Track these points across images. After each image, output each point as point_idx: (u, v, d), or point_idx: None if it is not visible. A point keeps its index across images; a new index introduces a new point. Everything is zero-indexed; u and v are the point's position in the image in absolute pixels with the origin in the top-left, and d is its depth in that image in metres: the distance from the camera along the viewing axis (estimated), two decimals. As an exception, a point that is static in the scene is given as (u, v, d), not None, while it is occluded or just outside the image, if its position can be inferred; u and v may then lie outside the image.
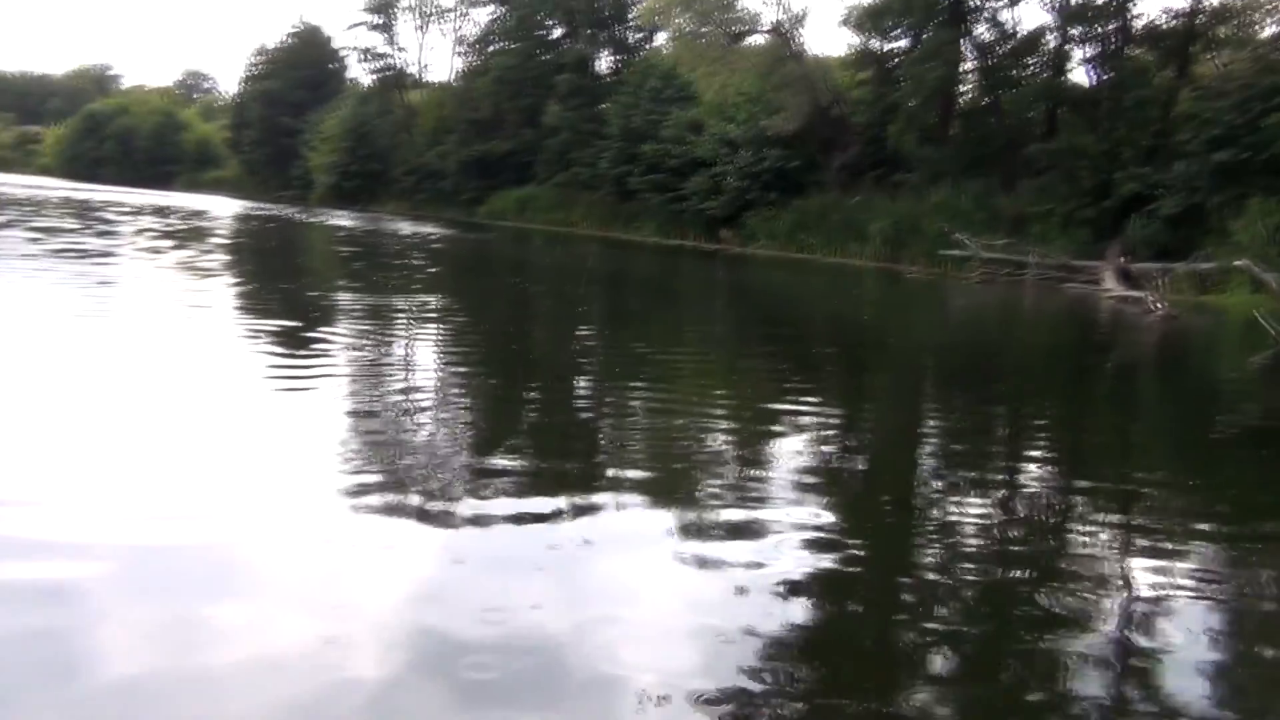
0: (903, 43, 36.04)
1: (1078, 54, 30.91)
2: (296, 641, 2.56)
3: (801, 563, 3.39)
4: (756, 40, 41.95)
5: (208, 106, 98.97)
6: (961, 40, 32.91)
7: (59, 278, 10.21)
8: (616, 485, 4.28)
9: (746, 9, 40.96)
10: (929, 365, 9.68)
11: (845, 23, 37.94)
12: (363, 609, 2.81)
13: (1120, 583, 3.56)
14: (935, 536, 3.99)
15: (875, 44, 37.42)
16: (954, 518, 4.22)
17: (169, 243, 16.90)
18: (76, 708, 2.13)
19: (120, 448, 4.20)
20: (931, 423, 7.05)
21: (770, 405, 6.69)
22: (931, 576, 3.52)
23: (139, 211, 27.63)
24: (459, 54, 66.74)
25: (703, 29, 41.48)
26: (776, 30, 39.51)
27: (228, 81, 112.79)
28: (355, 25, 67.29)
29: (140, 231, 18.81)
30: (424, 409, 5.58)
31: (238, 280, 13.01)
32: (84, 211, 24.62)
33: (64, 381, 5.34)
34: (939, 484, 4.99)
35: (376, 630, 2.66)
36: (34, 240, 14.14)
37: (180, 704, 2.20)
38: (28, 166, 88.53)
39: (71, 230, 17.17)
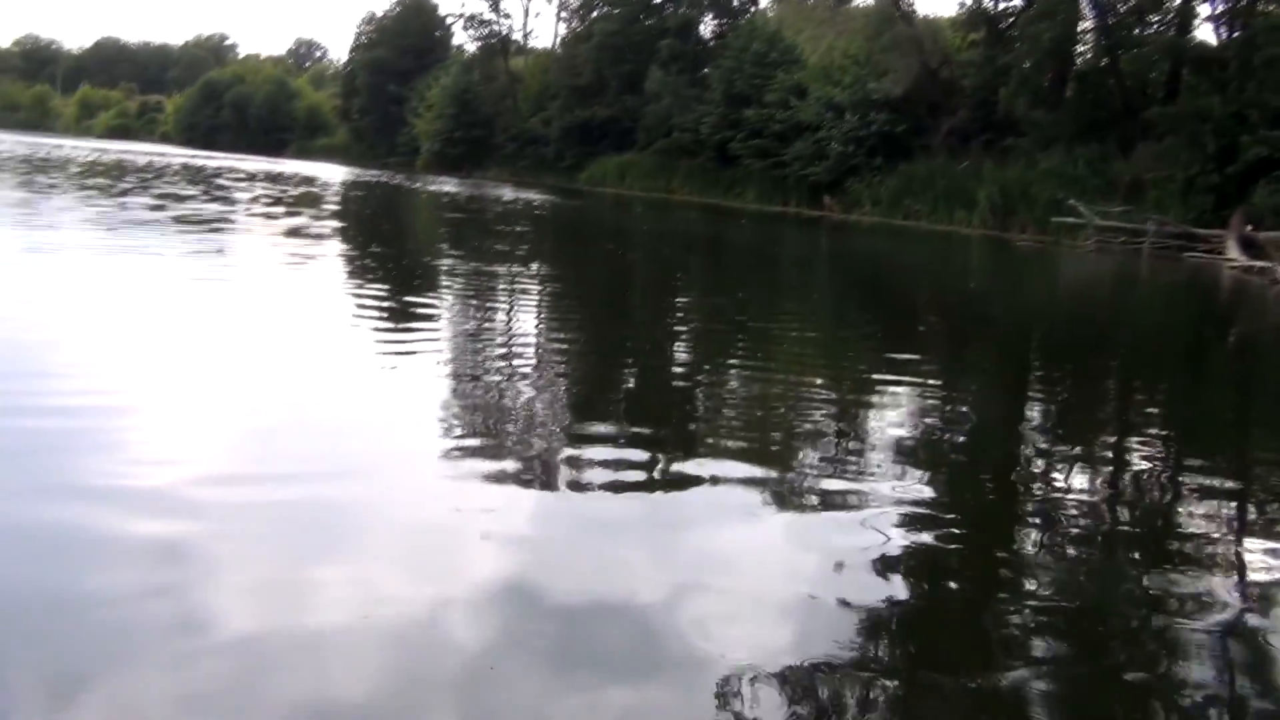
0: (1016, 1, 34.81)
1: (1204, 10, 29.46)
2: (398, 602, 2.61)
3: (900, 536, 3.34)
4: (864, 1, 41.02)
5: (318, 75, 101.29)
6: (1080, -1, 31.63)
7: (178, 243, 10.60)
8: (714, 453, 4.27)
9: (854, -31, 40.01)
10: (1037, 337, 9.41)
11: (957, -18, 36.84)
12: (461, 571, 2.86)
13: (1232, 564, 3.42)
14: (1039, 512, 3.89)
15: (988, 3, 36.24)
16: (1059, 494, 4.11)
17: (281, 209, 17.38)
18: (190, 664, 2.21)
19: (232, 410, 4.34)
20: (1039, 396, 6.86)
21: (871, 376, 6.59)
22: (1034, 553, 3.43)
23: (253, 178, 28.48)
24: (562, 20, 66.89)
25: (809, -10, 40.74)
26: (885, -9, 38.53)
27: (337, 50, 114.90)
28: (461, -8, 67.77)
29: (255, 198, 19.38)
30: (523, 374, 5.65)
31: (346, 246, 13.33)
32: (202, 178, 25.48)
33: (181, 346, 5.55)
34: (1044, 459, 4.86)
35: (474, 593, 2.70)
36: (156, 207, 14.69)
37: (287, 662, 2.27)
38: (150, 134, 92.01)
39: (190, 197, 17.78)
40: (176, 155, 46.52)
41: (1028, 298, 14.02)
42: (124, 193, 17.64)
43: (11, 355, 4.85)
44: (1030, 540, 3.59)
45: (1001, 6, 35.79)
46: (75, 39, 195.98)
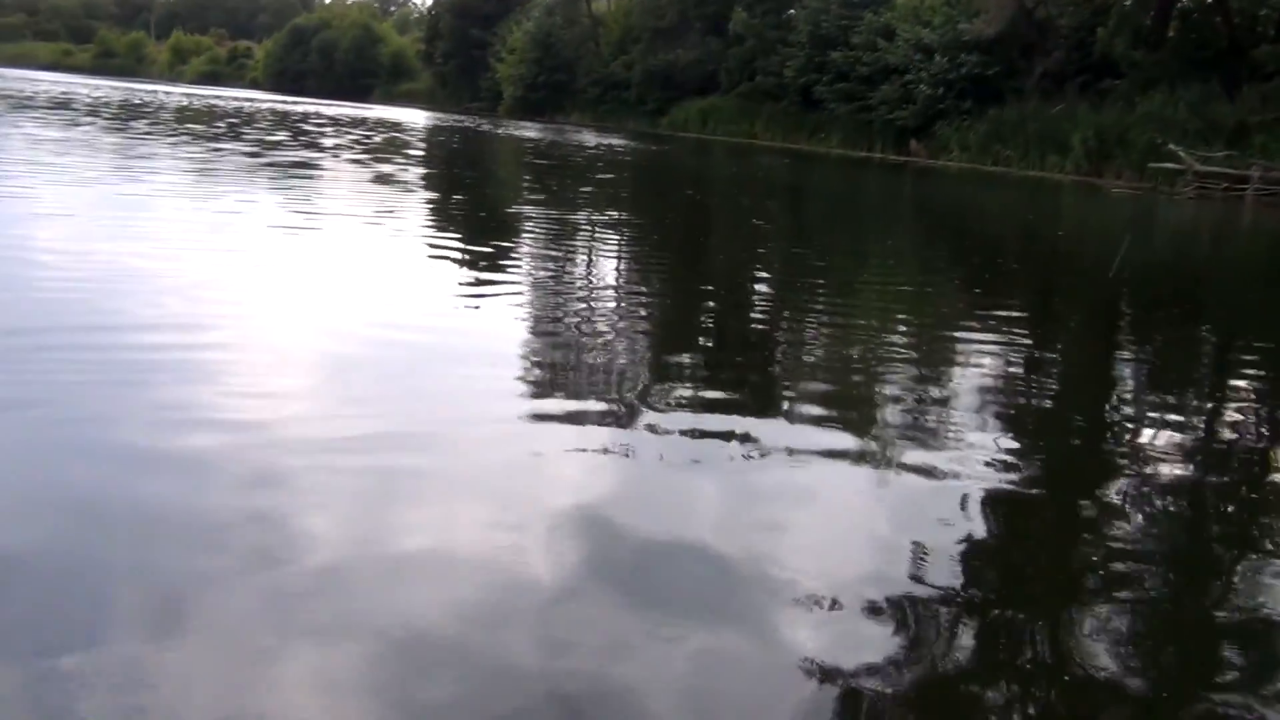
0: (1120, -64, 33.33)
1: (1322, -58, 27.89)
2: (475, 541, 2.67)
3: (980, 482, 3.29)
4: (957, -62, 39.60)
5: (403, 19, 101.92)
6: (1187, -69, 30.20)
7: (267, 190, 10.81)
8: (793, 398, 4.26)
9: (948, -97, 38.59)
10: (1130, 288, 9.11)
11: (1056, -85, 35.35)
12: (538, 510, 2.90)
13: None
14: (1126, 465, 3.79)
15: (1088, -62, 34.74)
16: (1148, 448, 3.99)
17: (367, 155, 17.59)
18: (278, 589, 2.30)
19: (319, 350, 4.44)
20: (1130, 349, 6.67)
21: (955, 325, 6.47)
22: (1119, 503, 3.35)
23: (339, 123, 28.84)
24: (646, -40, 66.02)
25: (899, -73, 39.46)
26: (980, -75, 37.17)
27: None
28: (544, -67, 67.23)
29: (341, 144, 19.65)
30: (602, 320, 5.66)
31: (430, 193, 13.46)
32: (290, 124, 25.88)
33: (272, 288, 5.68)
34: (1133, 412, 4.73)
35: (551, 531, 2.75)
36: (246, 153, 14.98)
37: (370, 590, 2.33)
38: (240, 80, 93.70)
39: (279, 143, 18.09)
40: (265, 100, 47.32)
41: (1121, 247, 13.60)
42: (215, 138, 18.02)
43: (108, 294, 5.00)
44: (1117, 491, 3.50)
45: (1103, -60, 34.28)
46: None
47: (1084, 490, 3.50)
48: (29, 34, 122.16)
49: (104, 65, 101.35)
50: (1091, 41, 31.53)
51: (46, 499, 2.69)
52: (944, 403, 4.43)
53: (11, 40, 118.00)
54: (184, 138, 17.44)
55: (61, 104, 24.70)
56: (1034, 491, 3.40)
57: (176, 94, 44.11)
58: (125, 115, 22.51)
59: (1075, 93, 30.69)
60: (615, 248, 9.19)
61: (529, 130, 38.45)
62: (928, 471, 3.40)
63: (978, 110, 33.89)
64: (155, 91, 44.36)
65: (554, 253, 8.21)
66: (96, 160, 11.86)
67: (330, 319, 5.05)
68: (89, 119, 19.67)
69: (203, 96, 44.09)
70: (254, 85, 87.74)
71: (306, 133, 22.06)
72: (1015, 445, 3.85)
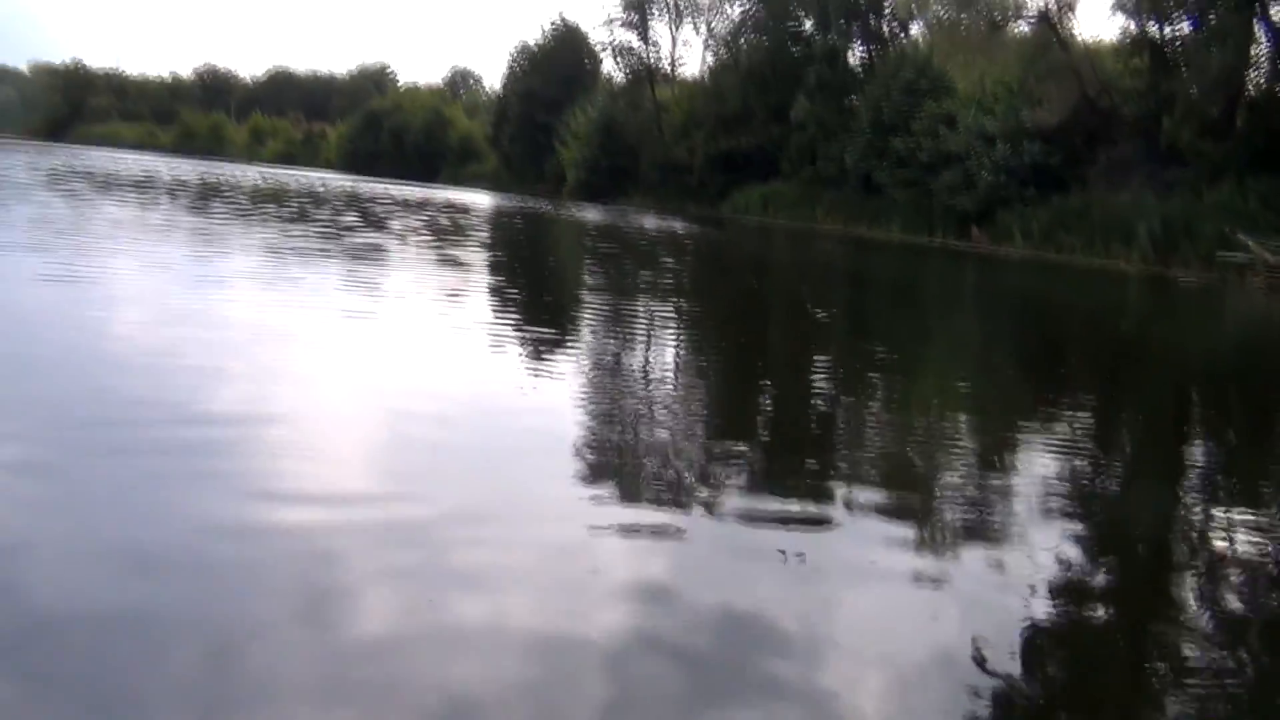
0: (1184, 26, 33.33)
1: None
2: (529, 619, 2.68)
3: (1044, 588, 3.22)
4: (1020, 28, 39.94)
5: (472, 103, 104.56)
6: (1254, 22, 30.08)
7: (334, 272, 11.08)
8: (851, 488, 4.22)
9: (1010, -5, 39.01)
10: (1199, 385, 8.93)
11: (1119, 7, 35.52)
12: (592, 591, 2.90)
13: None
14: (1199, 577, 3.67)
15: (1152, 29, 34.80)
16: (1220, 558, 3.87)
17: (433, 237, 17.98)
18: (327, 658, 2.33)
19: (376, 431, 4.51)
20: (1198, 451, 6.50)
21: (1016, 420, 6.37)
22: (1195, 618, 3.24)
23: (407, 204, 29.56)
24: (710, 49, 67.42)
25: (962, 17, 39.93)
26: (1043, 17, 37.51)
27: (491, 78, 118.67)
28: (611, 22, 69.03)
29: (408, 228, 20.10)
30: (660, 404, 5.67)
31: (493, 277, 13.69)
32: (359, 205, 26.59)
33: (333, 370, 5.79)
34: (1204, 519, 4.59)
35: (604, 613, 2.75)
36: (317, 235, 15.40)
37: (420, 666, 2.34)
38: (313, 161, 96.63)
39: (348, 225, 18.57)
40: (336, 180, 48.69)
41: (1191, 341, 13.34)
42: (288, 219, 18.54)
43: (173, 373, 5.13)
44: (1191, 605, 3.39)
45: (1167, 32, 34.31)
46: (250, 69, 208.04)
47: (1156, 606, 3.39)
48: (116, 115, 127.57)
49: (186, 146, 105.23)
50: (1157, 131, 31.35)
51: (116, 565, 2.76)
52: (1007, 497, 4.35)
53: (100, 121, 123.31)
54: (257, 219, 17.98)
55: (142, 183, 25.67)
56: (1100, 603, 3.30)
57: (253, 174, 45.62)
58: (202, 195, 23.30)
59: (1141, 182, 30.44)
60: (674, 333, 9.23)
61: (591, 213, 39.04)
62: (987, 577, 3.33)
63: (1040, 198, 33.73)
64: (233, 172, 45.92)
65: (613, 338, 8.27)
66: (172, 241, 12.26)
67: (392, 400, 5.13)
68: (167, 199, 20.39)
69: (277, 177, 45.51)
70: (327, 166, 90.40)
71: (375, 214, 22.62)
72: (1079, 544, 3.76)
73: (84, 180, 24.05)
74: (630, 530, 3.40)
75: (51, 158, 39.15)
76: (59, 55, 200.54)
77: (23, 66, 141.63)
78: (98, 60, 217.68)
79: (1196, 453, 6.19)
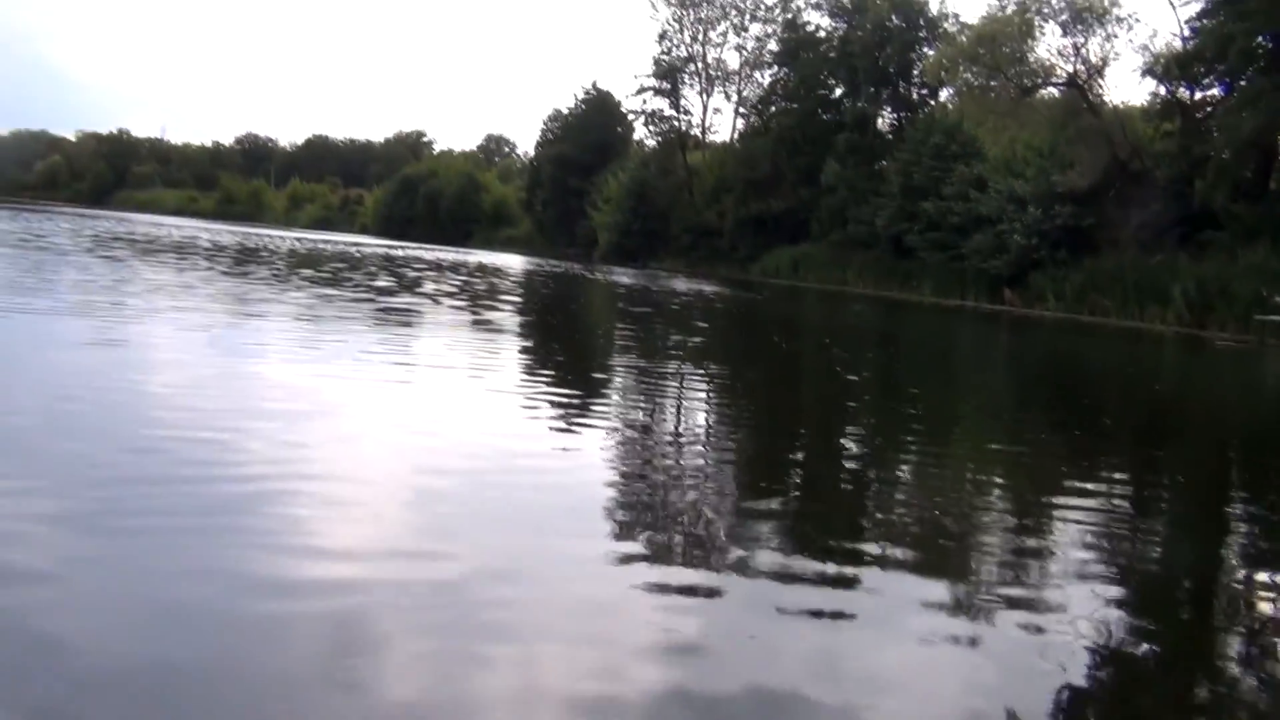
0: (1215, 90, 33.39)
1: None
2: (558, 681, 2.67)
3: (1083, 654, 3.15)
4: (1050, 93, 40.17)
5: (506, 169, 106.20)
6: (1284, 86, 30.05)
7: (369, 335, 11.21)
8: (883, 550, 4.17)
9: (1040, 61, 39.36)
10: (1237, 448, 8.80)
11: (1149, 72, 35.67)
12: (622, 653, 2.89)
13: None
14: (1243, 642, 3.59)
15: (1183, 92, 34.89)
16: (1264, 624, 3.78)
17: (466, 299, 18.17)
18: (360, 717, 2.32)
19: (407, 493, 4.52)
20: (1241, 515, 6.38)
21: (1050, 482, 6.29)
22: (1239, 685, 3.17)
23: (440, 267, 29.92)
24: (740, 115, 68.27)
25: (992, 83, 40.24)
26: (1072, 82, 37.75)
27: (525, 144, 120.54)
28: (643, 91, 70.10)
29: (441, 291, 20.32)
30: (690, 465, 5.66)
31: (525, 339, 13.79)
32: (394, 268, 26.95)
33: (364, 434, 5.83)
34: (1246, 584, 4.50)
35: (634, 675, 2.73)
36: (352, 300, 15.60)
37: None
38: (350, 226, 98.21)
39: (383, 288, 18.80)
40: (371, 245, 49.41)
41: (1228, 404, 13.17)
42: (323, 282, 18.82)
43: (208, 433, 5.20)
44: (1232, 664, 3.32)
45: (1198, 96, 34.38)
46: (289, 136, 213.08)
47: (1199, 666, 3.32)
48: (159, 182, 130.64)
49: (226, 211, 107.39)
50: (1189, 193, 31.28)
51: (149, 620, 2.78)
52: (1045, 560, 4.29)
53: (144, 188, 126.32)
54: (293, 282, 18.26)
55: (182, 248, 26.18)
56: (1141, 666, 3.23)
57: (291, 239, 46.39)
58: (239, 260, 23.70)
59: (1174, 244, 30.31)
60: (704, 394, 9.23)
61: (622, 276, 39.30)
62: (1024, 641, 3.28)
63: (1073, 260, 33.64)
64: (270, 237, 46.71)
65: (645, 399, 8.29)
66: (208, 305, 12.46)
67: (424, 460, 5.16)
68: (206, 264, 20.77)
69: (314, 241, 46.25)
70: (363, 230, 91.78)
71: (409, 277, 22.91)
72: (1118, 608, 3.70)
73: (125, 245, 24.57)
74: (662, 589, 3.38)
75: (94, 223, 40.06)
76: (106, 125, 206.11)
77: (70, 135, 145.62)
78: (142, 129, 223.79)
79: (1239, 517, 6.08)
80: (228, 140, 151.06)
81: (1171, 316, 28.21)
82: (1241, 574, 4.56)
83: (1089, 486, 5.99)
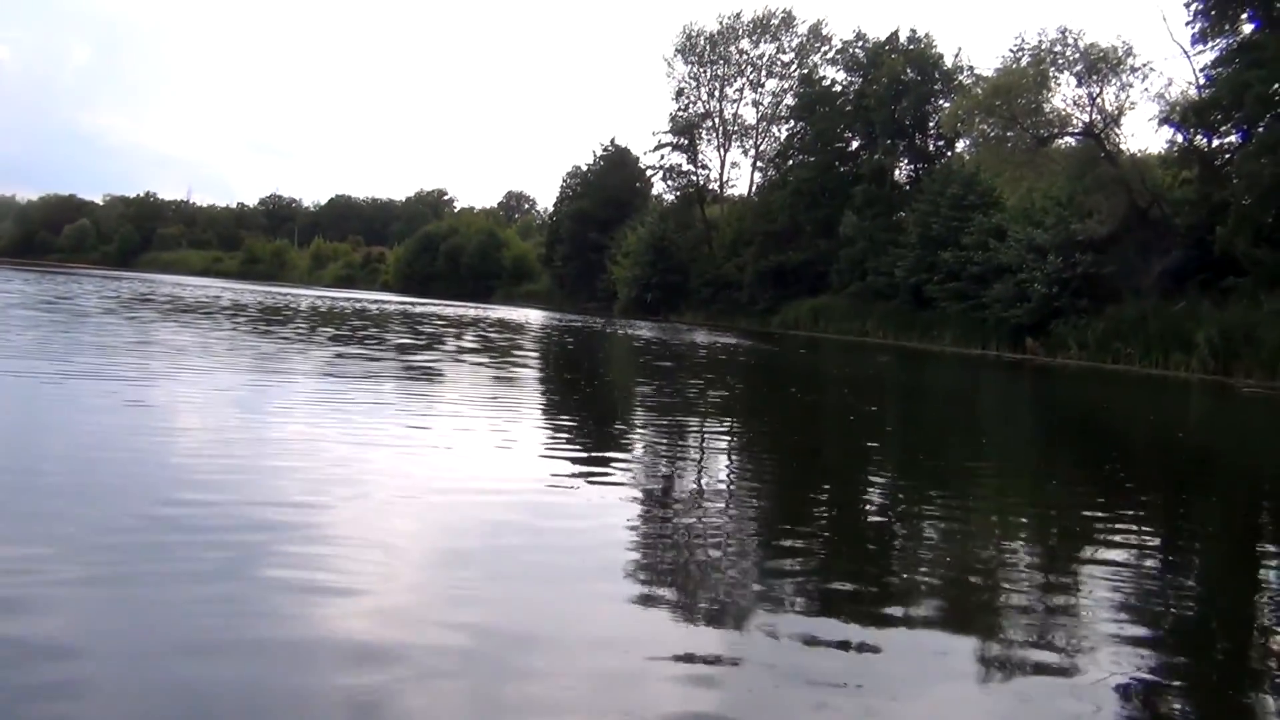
0: (1233, 138, 33.41)
1: None
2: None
3: (1118, 706, 3.09)
4: (1066, 142, 40.30)
5: (526, 225, 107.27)
6: (1303, 131, 30.06)
7: (389, 392, 11.25)
8: (909, 606, 4.12)
9: (1056, 111, 39.56)
10: (1268, 495, 8.66)
11: (1166, 120, 35.75)
12: (644, 702, 2.91)
13: None
14: (1275, 690, 3.50)
15: (1201, 140, 34.92)
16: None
17: (487, 357, 18.24)
18: None
19: (429, 548, 4.50)
20: (1271, 562, 6.26)
21: (1078, 535, 6.19)
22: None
23: (461, 323, 30.08)
24: (758, 169, 68.84)
25: (1008, 133, 40.44)
26: (1089, 132, 37.86)
27: (544, 200, 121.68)
28: (661, 147, 70.82)
29: (462, 348, 20.42)
30: (712, 522, 5.61)
31: (545, 395, 13.81)
32: (415, 324, 27.11)
33: (382, 489, 5.83)
34: (1270, 624, 4.40)
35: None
36: (372, 359, 15.69)
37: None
38: (372, 283, 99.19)
39: (404, 346, 18.90)
40: (393, 302, 49.79)
41: (1257, 451, 12.99)
42: (344, 340, 18.94)
43: (227, 492, 5.20)
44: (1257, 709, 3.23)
45: (1216, 143, 34.39)
46: (312, 195, 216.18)
47: (1228, 712, 3.23)
48: (185, 243, 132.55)
49: (250, 271, 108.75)
50: (1210, 240, 31.16)
51: (164, 665, 2.79)
52: (1070, 616, 4.21)
53: (170, 249, 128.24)
54: (315, 341, 18.39)
55: (206, 307, 26.46)
56: (1168, 703, 3.16)
57: (312, 297, 46.82)
58: (262, 320, 23.91)
59: (1196, 290, 30.16)
60: (726, 449, 9.19)
61: (643, 329, 39.39)
62: (1059, 694, 3.21)
63: (1095, 308, 33.51)
64: (293, 296, 47.16)
65: (668, 456, 8.25)
66: (230, 365, 12.54)
67: (443, 516, 5.16)
68: (228, 323, 20.96)
69: (336, 300, 46.65)
70: (385, 288, 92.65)
71: (430, 334, 23.04)
72: (1150, 661, 3.62)
73: (148, 305, 24.86)
74: (685, 657, 3.33)
75: (120, 284, 40.58)
76: (133, 188, 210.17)
77: (98, 198, 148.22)
78: (169, 191, 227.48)
79: (1274, 567, 5.96)
80: (252, 201, 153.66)
81: (1195, 363, 27.99)
82: (1275, 625, 4.46)
83: (1121, 542, 5.89)
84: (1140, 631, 4.08)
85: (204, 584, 3.69)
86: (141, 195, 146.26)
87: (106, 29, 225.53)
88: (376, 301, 48.49)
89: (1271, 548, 6.73)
